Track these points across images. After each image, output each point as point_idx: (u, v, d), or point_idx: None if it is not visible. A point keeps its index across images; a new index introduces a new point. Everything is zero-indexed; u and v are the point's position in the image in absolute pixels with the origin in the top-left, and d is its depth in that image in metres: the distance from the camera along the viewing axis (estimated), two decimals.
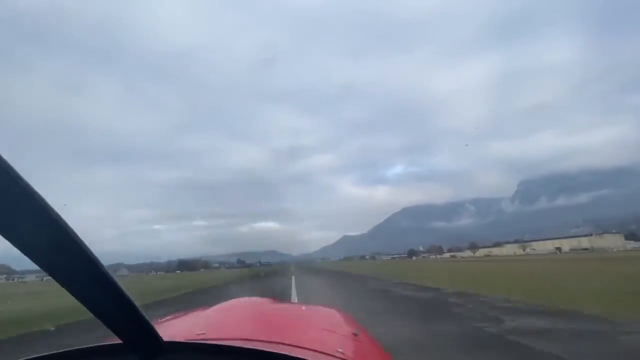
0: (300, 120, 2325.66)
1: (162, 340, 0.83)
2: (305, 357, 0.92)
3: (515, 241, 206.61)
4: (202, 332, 1.17)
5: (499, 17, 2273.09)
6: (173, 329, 1.41)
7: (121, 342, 0.80)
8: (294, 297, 13.80)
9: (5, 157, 0.77)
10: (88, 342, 0.94)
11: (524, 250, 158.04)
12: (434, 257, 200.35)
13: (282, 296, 13.40)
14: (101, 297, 0.78)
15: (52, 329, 9.47)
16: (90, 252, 0.78)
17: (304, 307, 2.06)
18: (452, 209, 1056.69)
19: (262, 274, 48.29)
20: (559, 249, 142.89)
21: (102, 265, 0.78)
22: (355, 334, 1.49)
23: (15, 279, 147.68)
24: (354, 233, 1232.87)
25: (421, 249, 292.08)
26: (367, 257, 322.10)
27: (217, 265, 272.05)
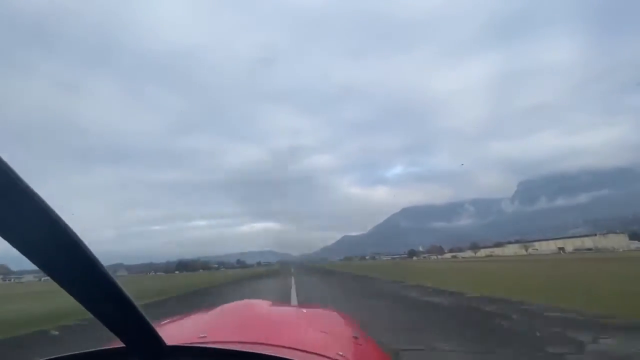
0: (300, 121, 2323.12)
1: (165, 343, 0.83)
2: None
3: (517, 241, 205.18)
4: (203, 335, 1.17)
5: (499, 17, 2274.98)
6: (174, 331, 1.40)
7: (123, 345, 0.80)
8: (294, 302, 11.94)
9: (5, 158, 0.77)
10: (88, 345, 0.92)
11: (526, 251, 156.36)
12: (434, 257, 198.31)
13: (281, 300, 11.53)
14: (102, 299, 0.77)
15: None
16: (91, 252, 0.78)
17: (304, 310, 2.06)
18: (451, 209, 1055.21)
19: (261, 275, 46.74)
20: (562, 249, 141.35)
21: (102, 266, 0.78)
22: (356, 337, 1.49)
23: (12, 279, 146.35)
24: (353, 233, 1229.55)
25: (421, 249, 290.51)
26: (367, 257, 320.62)
27: (217, 265, 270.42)
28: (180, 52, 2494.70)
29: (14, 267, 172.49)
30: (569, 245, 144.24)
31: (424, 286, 17.06)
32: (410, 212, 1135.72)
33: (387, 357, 1.42)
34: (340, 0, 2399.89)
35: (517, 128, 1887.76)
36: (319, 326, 1.55)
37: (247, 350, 0.89)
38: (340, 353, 1.13)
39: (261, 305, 1.79)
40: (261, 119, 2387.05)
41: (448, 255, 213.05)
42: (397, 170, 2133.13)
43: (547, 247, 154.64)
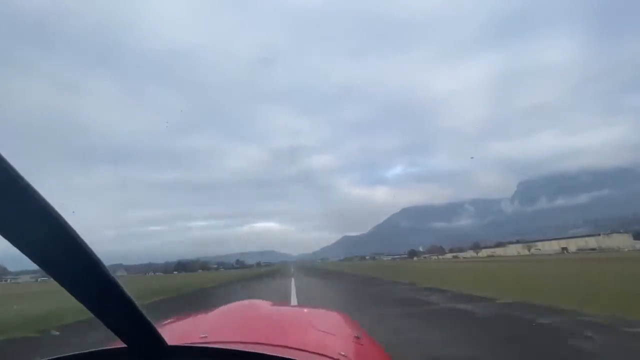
0: (300, 121, 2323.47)
1: (166, 343, 0.82)
2: None
3: (517, 241, 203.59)
4: (204, 335, 1.17)
5: (499, 17, 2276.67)
6: (175, 331, 1.41)
7: (125, 346, 0.79)
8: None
9: (6, 156, 0.77)
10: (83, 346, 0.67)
11: (528, 251, 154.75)
12: (435, 257, 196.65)
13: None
14: (103, 299, 0.77)
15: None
16: (92, 252, 0.77)
17: (305, 310, 2.07)
18: (451, 210, 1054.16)
19: (261, 275, 45.45)
20: (565, 249, 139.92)
21: (103, 266, 0.77)
22: (357, 337, 1.49)
23: (8, 280, 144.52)
24: (353, 233, 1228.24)
25: (421, 249, 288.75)
26: (367, 257, 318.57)
27: (216, 266, 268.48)
28: (181, 52, 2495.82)
29: (12, 268, 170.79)
30: (572, 245, 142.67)
31: (441, 289, 15.29)
32: (410, 212, 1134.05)
33: (389, 357, 1.49)
34: (340, 1, 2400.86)
35: (517, 128, 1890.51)
36: (320, 326, 1.55)
37: (248, 351, 0.90)
38: (342, 353, 1.13)
39: (262, 306, 1.80)
40: (261, 119, 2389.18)
41: (449, 255, 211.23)
42: (397, 170, 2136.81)
43: (550, 247, 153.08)
